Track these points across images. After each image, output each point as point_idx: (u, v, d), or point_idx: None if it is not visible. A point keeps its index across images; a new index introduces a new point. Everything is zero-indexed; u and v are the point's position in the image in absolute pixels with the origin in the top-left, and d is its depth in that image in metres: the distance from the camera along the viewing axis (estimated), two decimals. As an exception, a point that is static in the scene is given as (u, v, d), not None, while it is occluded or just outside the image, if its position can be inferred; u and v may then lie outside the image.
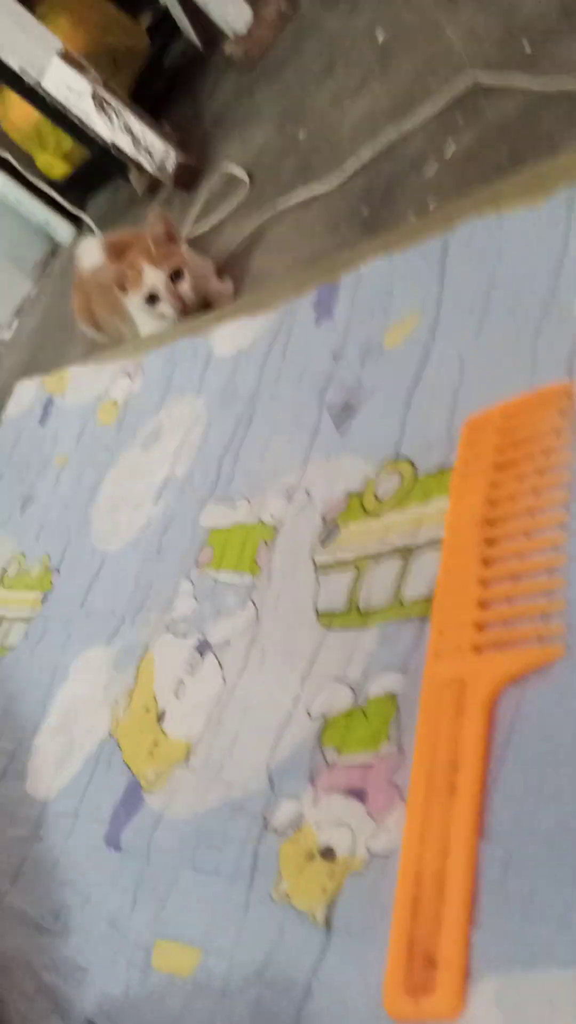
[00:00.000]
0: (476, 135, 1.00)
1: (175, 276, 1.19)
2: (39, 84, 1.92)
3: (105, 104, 1.87)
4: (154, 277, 1.19)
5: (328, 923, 0.45)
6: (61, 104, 1.93)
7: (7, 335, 2.37)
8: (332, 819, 0.48)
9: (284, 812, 0.51)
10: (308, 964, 0.45)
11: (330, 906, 0.45)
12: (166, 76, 2.29)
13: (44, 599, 0.93)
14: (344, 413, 0.69)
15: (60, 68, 1.91)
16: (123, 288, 1.24)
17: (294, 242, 1.26)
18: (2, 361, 2.31)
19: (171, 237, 1.23)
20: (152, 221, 1.21)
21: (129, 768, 0.66)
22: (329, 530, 0.61)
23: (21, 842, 0.73)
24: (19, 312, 2.39)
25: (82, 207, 2.29)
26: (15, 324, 2.37)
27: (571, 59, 0.94)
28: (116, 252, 1.39)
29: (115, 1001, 0.55)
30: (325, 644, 0.55)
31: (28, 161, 2.30)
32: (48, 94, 1.92)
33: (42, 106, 2.04)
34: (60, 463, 1.08)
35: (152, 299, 1.21)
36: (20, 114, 2.25)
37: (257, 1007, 0.46)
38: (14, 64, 1.91)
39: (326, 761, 0.50)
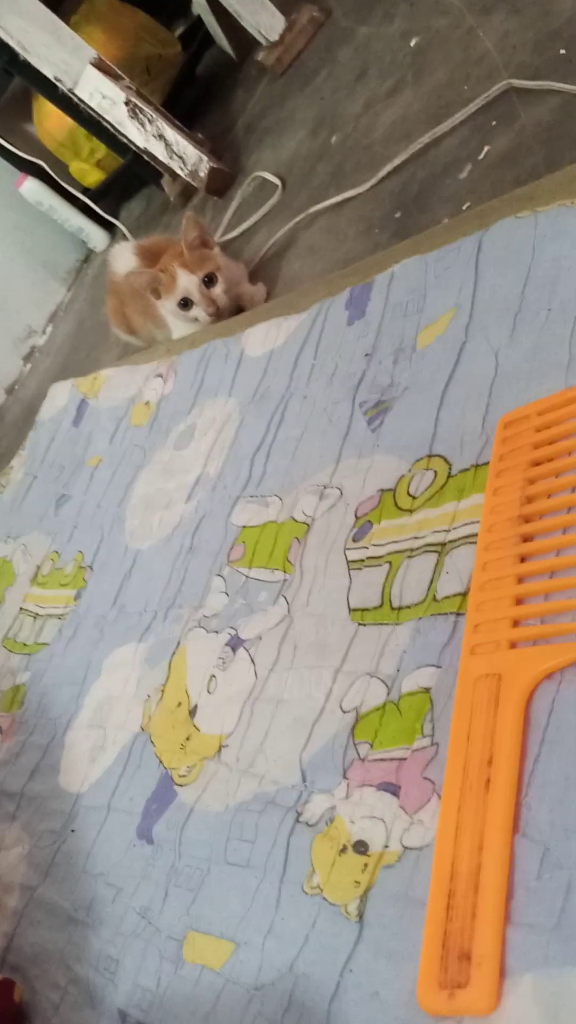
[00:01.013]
0: (511, 138, 1.00)
1: (208, 280, 1.20)
2: (73, 93, 1.94)
3: (138, 112, 1.89)
4: (187, 281, 1.19)
5: (361, 916, 0.45)
6: (95, 112, 1.95)
7: (41, 340, 2.40)
8: (365, 813, 0.48)
9: (316, 805, 0.51)
10: (340, 957, 0.45)
11: (363, 899, 0.45)
12: (199, 83, 2.31)
13: (77, 596, 0.94)
14: (377, 411, 0.69)
15: (94, 77, 1.93)
16: (156, 293, 1.25)
17: (327, 246, 1.27)
18: (37, 366, 2.33)
19: (204, 241, 1.24)
20: (186, 226, 1.22)
21: (161, 762, 0.67)
22: (362, 526, 0.61)
23: (54, 835, 0.73)
24: (53, 318, 2.42)
25: (115, 214, 2.32)
26: (49, 329, 2.40)
27: (607, 60, 0.93)
28: (149, 257, 1.40)
29: (147, 993, 0.55)
30: (357, 639, 0.55)
31: (62, 169, 2.33)
32: (82, 102, 1.94)
33: (76, 114, 2.07)
34: (94, 463, 1.09)
35: (185, 303, 1.21)
36: (55, 123, 2.28)
37: (289, 1000, 0.46)
38: (49, 73, 1.93)
39: (359, 755, 0.50)
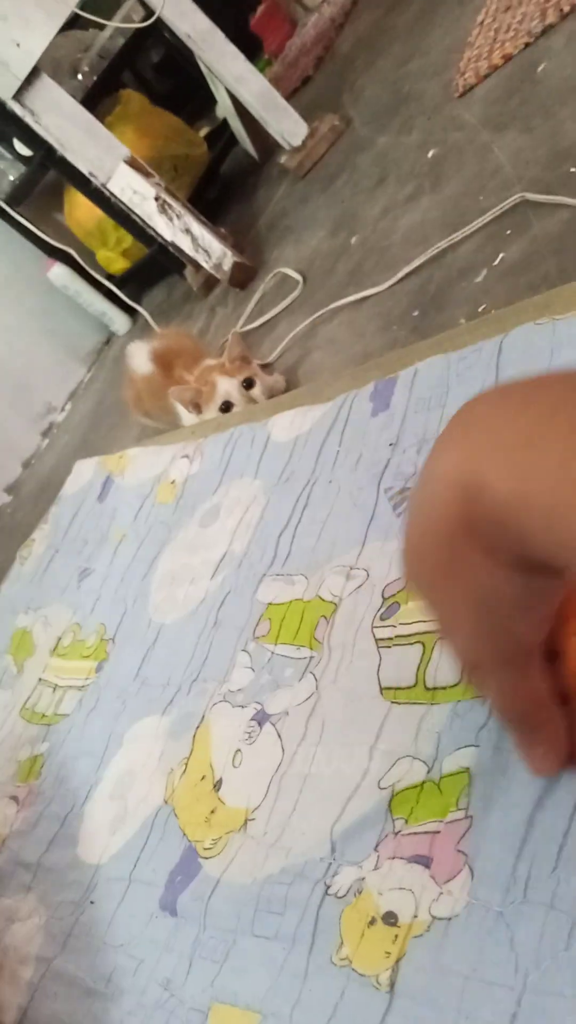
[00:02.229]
0: (524, 246, 1.07)
1: (248, 384, 1.31)
2: (105, 187, 2.06)
3: (167, 207, 2.00)
4: (228, 385, 1.30)
5: (392, 986, 0.46)
6: (125, 206, 2.06)
7: (60, 417, 2.47)
8: (394, 884, 0.49)
9: (345, 877, 0.53)
10: (370, 1028, 0.46)
11: (394, 970, 0.46)
12: (223, 181, 2.45)
13: (99, 668, 0.96)
14: (402, 497, 0.73)
15: (126, 173, 2.05)
16: (197, 408, 1.35)
17: (346, 340, 1.33)
18: (54, 442, 2.40)
19: (245, 358, 1.35)
20: (232, 343, 1.34)
21: (185, 835, 0.68)
22: (390, 606, 0.64)
23: (72, 907, 0.74)
24: (73, 396, 2.49)
25: (138, 300, 2.42)
26: (68, 407, 2.47)
27: (614, 180, 1.01)
28: (163, 363, 1.52)
29: (169, 1066, 0.55)
30: (391, 717, 0.58)
31: (89, 256, 2.45)
32: (114, 196, 2.06)
33: (107, 207, 2.19)
34: (117, 538, 1.13)
35: (227, 407, 1.31)
36: (84, 213, 2.40)
37: (317, 1071, 0.47)
38: (83, 168, 2.05)
39: (394, 830, 0.52)
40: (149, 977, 0.61)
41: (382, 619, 0.64)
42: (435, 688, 0.56)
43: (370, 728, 0.58)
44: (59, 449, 2.27)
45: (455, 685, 0.54)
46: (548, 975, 0.40)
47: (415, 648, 0.59)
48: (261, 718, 0.69)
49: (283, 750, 0.65)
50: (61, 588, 1.17)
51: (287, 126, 2.06)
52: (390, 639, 0.62)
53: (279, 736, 0.66)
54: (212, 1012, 0.55)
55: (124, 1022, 0.61)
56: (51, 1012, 0.68)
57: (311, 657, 0.69)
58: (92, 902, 0.72)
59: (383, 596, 0.66)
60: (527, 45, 1.41)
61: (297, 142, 2.04)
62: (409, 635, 0.60)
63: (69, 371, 2.49)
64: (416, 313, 1.18)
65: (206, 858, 0.64)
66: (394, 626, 0.62)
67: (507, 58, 1.44)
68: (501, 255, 1.10)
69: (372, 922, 0.49)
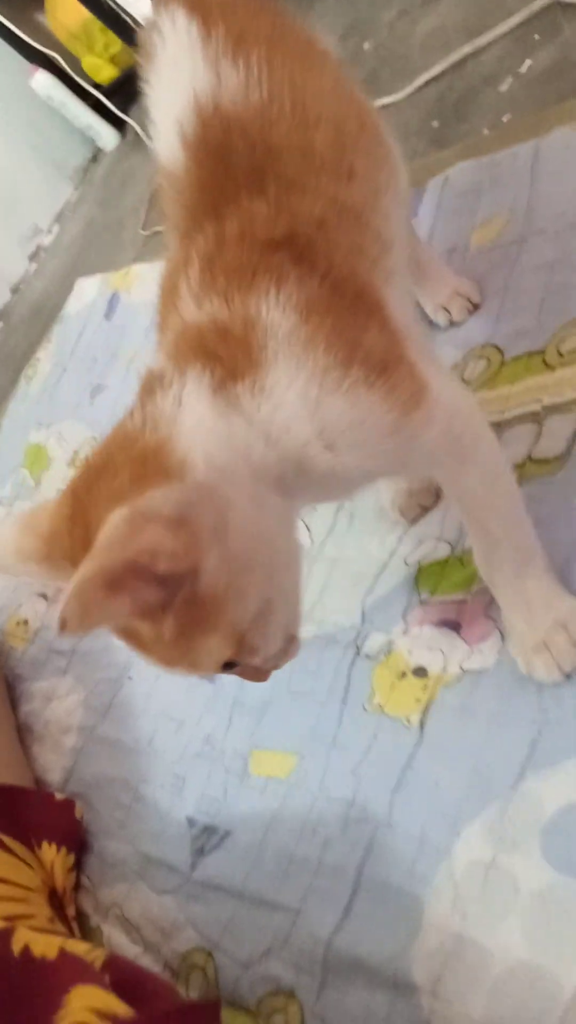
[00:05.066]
0: (554, 52, 1.03)
1: None
2: (93, -20, 1.90)
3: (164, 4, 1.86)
4: None
5: (422, 725, 0.52)
6: (115, 3, 1.91)
7: (47, 240, 2.38)
8: (423, 645, 0.55)
9: (375, 641, 0.58)
10: (402, 758, 0.52)
11: (424, 712, 0.53)
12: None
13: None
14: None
15: (116, -35, 1.89)
16: None
17: (358, 153, 1.29)
18: (43, 266, 2.33)
19: None
20: None
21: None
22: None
23: (110, 683, 0.80)
24: (60, 217, 2.40)
25: (128, 112, 2.28)
26: (56, 229, 2.38)
27: None
28: None
29: (214, 801, 0.63)
30: (417, 507, 0.62)
31: (74, 63, 2.28)
32: (103, -8, 1.91)
33: (93, 6, 2.02)
34: (129, 357, 1.13)
35: None
36: (69, 14, 2.22)
37: (353, 796, 0.54)
38: (69, -41, 1.89)
39: (420, 601, 0.57)
40: (191, 735, 0.68)
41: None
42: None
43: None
44: (49, 273, 2.21)
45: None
46: (568, 706, 0.46)
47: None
48: (289, 513, 0.73)
49: (312, 540, 0.69)
50: (73, 405, 1.18)
51: None
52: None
53: (306, 527, 0.70)
54: (252, 757, 0.62)
55: (170, 771, 0.68)
56: (95, 770, 0.76)
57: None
58: (130, 678, 0.79)
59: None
60: None
61: None
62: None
63: (55, 190, 2.38)
64: (436, 124, 1.14)
65: (240, 634, 0.69)
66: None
67: None
68: (528, 62, 1.05)
69: (403, 675, 0.55)
